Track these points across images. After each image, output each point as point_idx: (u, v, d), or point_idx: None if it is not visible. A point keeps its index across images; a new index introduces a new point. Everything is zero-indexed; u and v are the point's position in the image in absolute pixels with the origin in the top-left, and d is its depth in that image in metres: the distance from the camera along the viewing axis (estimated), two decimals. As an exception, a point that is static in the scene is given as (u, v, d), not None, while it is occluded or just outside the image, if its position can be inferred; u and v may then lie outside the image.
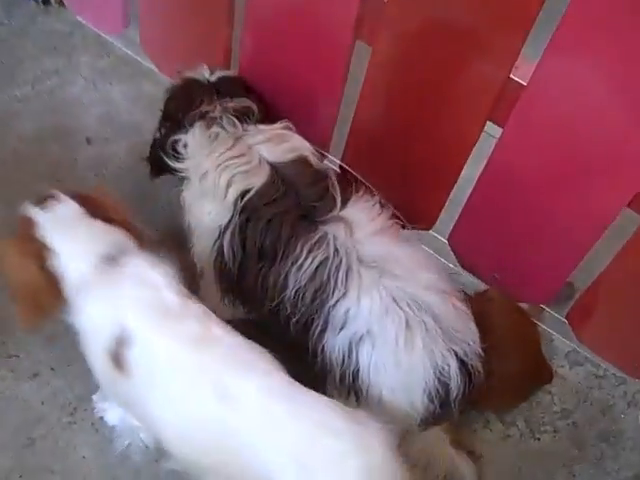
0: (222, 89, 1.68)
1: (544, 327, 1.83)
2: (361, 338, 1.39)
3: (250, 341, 1.28)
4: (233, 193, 1.52)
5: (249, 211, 1.50)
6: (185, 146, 1.63)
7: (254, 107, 1.66)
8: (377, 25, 1.59)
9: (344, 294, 1.40)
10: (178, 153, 1.64)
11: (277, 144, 1.58)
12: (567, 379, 1.80)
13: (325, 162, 1.93)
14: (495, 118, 1.55)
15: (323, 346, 1.43)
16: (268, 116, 1.73)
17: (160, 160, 1.69)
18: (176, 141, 1.64)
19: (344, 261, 1.41)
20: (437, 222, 1.84)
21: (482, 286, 1.84)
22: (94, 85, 2.17)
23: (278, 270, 1.46)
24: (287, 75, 1.83)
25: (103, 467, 1.56)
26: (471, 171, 1.68)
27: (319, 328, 1.42)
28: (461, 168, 1.68)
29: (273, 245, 1.47)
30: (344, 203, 1.48)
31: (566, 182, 1.55)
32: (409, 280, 1.41)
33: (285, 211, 1.47)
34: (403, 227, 1.88)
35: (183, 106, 1.67)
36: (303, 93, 1.83)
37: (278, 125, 1.62)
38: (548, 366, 1.74)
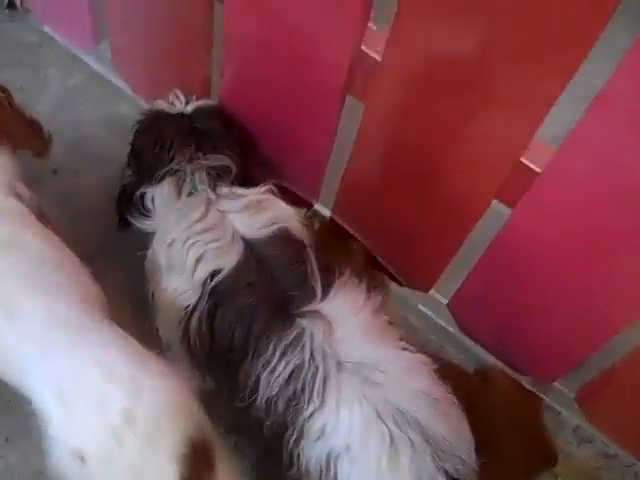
0: (198, 123, 1.51)
1: (550, 399, 1.66)
2: (339, 455, 1.23)
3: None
4: (202, 273, 1.35)
5: (219, 295, 1.34)
6: (152, 201, 1.49)
7: (232, 165, 1.49)
8: (370, 83, 1.37)
9: (321, 405, 1.23)
10: (145, 208, 1.50)
11: (255, 214, 1.40)
12: (574, 458, 1.65)
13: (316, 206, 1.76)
14: (503, 199, 1.35)
15: (299, 454, 1.28)
16: (250, 158, 1.56)
17: (128, 211, 1.54)
18: (143, 194, 1.50)
19: (321, 368, 1.23)
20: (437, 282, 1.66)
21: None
22: (63, 106, 1.96)
23: (248, 369, 1.29)
24: (271, 109, 1.61)
25: None
26: (479, 235, 1.49)
27: (294, 436, 1.27)
28: (464, 237, 1.48)
29: (244, 339, 1.30)
30: (325, 292, 1.30)
31: (584, 266, 1.35)
32: (395, 388, 1.23)
33: (258, 301, 1.30)
34: (400, 285, 1.73)
35: (152, 146, 1.50)
36: (289, 131, 1.63)
37: (258, 190, 1.44)
38: (553, 450, 1.56)
